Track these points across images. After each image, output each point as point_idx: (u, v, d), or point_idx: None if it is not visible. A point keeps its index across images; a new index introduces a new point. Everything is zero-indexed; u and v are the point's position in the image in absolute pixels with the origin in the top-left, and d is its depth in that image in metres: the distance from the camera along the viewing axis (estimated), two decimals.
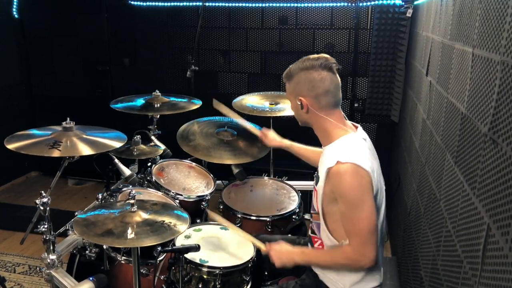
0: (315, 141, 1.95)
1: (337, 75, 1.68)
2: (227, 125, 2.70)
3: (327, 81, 1.63)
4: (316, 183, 1.71)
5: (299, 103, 1.68)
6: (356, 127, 1.74)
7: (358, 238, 1.54)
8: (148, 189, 2.36)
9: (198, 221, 2.39)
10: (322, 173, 1.63)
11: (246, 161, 2.50)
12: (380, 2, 3.44)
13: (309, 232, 1.84)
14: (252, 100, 2.89)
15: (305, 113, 1.69)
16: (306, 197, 2.68)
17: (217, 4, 3.85)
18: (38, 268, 2.99)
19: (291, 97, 1.74)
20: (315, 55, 1.67)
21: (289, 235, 2.18)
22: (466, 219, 1.29)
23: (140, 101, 2.78)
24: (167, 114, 2.69)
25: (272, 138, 2.26)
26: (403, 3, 3.32)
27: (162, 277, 2.04)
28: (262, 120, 2.74)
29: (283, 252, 1.73)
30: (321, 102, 1.65)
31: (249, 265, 1.90)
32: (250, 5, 3.79)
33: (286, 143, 2.21)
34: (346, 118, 1.75)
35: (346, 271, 1.67)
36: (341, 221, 1.59)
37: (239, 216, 2.30)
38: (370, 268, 1.62)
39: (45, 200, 1.88)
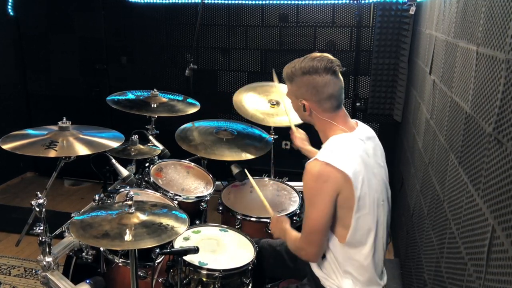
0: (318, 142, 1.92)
1: (341, 77, 1.65)
2: (227, 126, 2.68)
3: (330, 86, 1.61)
4: None
5: (301, 105, 1.67)
6: (356, 124, 1.71)
7: (304, 232, 1.63)
8: (146, 190, 2.33)
9: (197, 222, 2.37)
10: None
11: (246, 158, 2.48)
12: None
13: None
14: (252, 99, 2.85)
15: (308, 115, 1.69)
16: None
17: (216, 1, 3.83)
18: (33, 271, 2.97)
19: (293, 98, 1.72)
20: (317, 54, 1.63)
21: None
22: (470, 221, 1.28)
23: (135, 94, 2.77)
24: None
25: (301, 138, 2.26)
26: (406, 0, 3.29)
27: (160, 279, 2.01)
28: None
29: (278, 226, 1.89)
30: (324, 106, 1.64)
31: (249, 267, 1.88)
32: (250, 2, 3.77)
33: (308, 148, 2.22)
34: (349, 116, 1.73)
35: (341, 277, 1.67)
36: None
37: (239, 217, 2.28)
38: (374, 271, 1.62)
39: (41, 201, 1.86)
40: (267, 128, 2.73)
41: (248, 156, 2.48)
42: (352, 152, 1.58)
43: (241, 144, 2.56)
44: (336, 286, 1.67)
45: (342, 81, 1.66)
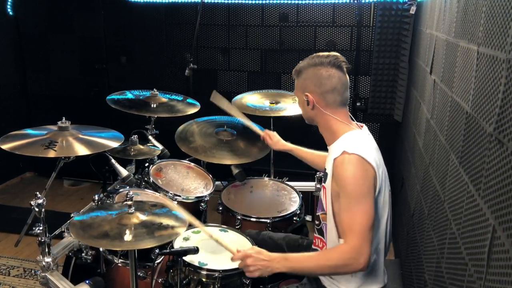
0: (317, 141, 1.91)
1: (346, 74, 1.68)
2: (226, 125, 2.67)
3: (334, 78, 1.63)
4: (325, 181, 1.68)
5: (305, 99, 1.68)
6: (361, 127, 1.73)
7: (356, 234, 1.46)
8: (146, 190, 2.32)
9: None
10: (329, 169, 1.62)
11: (247, 161, 2.47)
12: None
13: (316, 234, 1.81)
14: (252, 99, 2.86)
15: (311, 109, 1.69)
16: (307, 198, 2.64)
17: (216, 0, 3.82)
18: (33, 271, 2.96)
19: (299, 93, 1.74)
20: (326, 53, 1.68)
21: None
22: (471, 221, 1.27)
23: (134, 94, 2.76)
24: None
25: (277, 140, 2.28)
26: (407, 0, 3.29)
27: (160, 280, 2.01)
28: (263, 120, 2.71)
29: (259, 259, 1.56)
30: (327, 99, 1.65)
31: None
32: (250, 1, 3.76)
33: (289, 146, 2.22)
34: (353, 118, 1.74)
35: (339, 275, 1.63)
36: (339, 216, 1.56)
37: (239, 217, 2.27)
38: (372, 270, 1.60)
39: (40, 201, 1.86)
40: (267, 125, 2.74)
41: (248, 159, 2.48)
42: (370, 146, 1.61)
43: (241, 146, 2.56)
44: (336, 284, 1.67)
45: (348, 78, 1.68)
